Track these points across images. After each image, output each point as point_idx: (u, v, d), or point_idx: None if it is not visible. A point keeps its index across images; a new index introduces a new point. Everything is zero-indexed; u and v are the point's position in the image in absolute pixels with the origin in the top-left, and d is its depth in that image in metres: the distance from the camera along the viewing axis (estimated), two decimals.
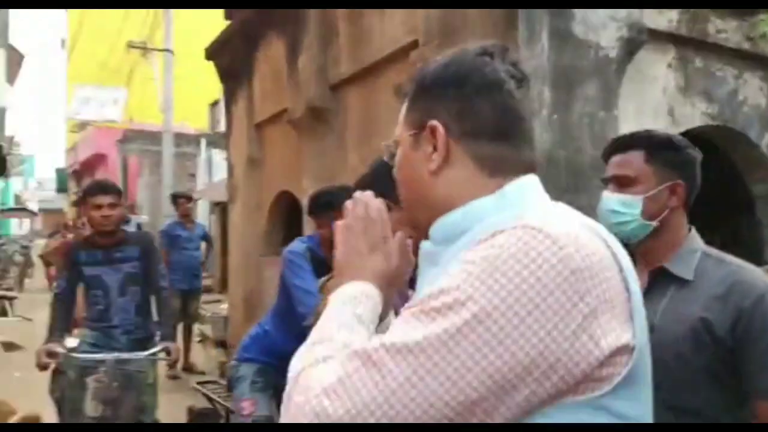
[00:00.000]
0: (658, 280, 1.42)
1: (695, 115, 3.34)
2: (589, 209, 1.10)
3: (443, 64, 0.83)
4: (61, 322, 3.07)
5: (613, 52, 2.83)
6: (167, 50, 13.24)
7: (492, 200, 0.78)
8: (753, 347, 1.29)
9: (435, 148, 0.80)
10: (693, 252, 1.44)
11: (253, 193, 5.62)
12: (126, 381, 2.81)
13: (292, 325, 2.55)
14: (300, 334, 2.61)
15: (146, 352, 2.93)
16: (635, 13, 2.90)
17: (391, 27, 3.55)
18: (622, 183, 1.48)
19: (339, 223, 0.90)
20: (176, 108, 13.66)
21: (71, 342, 2.85)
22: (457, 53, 0.83)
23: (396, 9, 3.51)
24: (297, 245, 2.66)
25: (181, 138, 14.83)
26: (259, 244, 5.61)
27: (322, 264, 2.60)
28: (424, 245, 0.84)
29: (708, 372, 1.32)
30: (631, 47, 2.90)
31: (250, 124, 5.56)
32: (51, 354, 2.82)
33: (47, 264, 11.83)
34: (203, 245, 7.08)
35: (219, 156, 13.93)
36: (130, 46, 13.34)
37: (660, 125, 3.18)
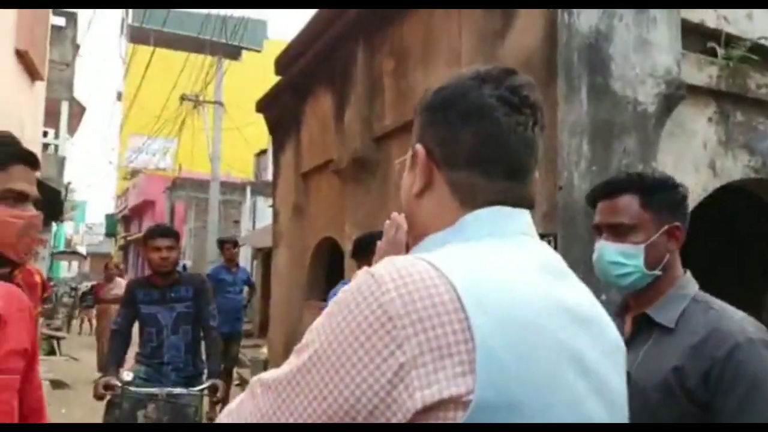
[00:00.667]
0: (641, 327, 1.33)
1: (737, 168, 3.35)
2: None
3: (438, 89, 0.82)
4: (117, 356, 3.22)
5: (651, 107, 2.91)
6: (218, 102, 13.93)
7: (445, 234, 0.76)
8: (724, 400, 1.18)
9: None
10: (681, 297, 1.33)
11: (298, 238, 5.79)
12: (175, 415, 2.91)
13: None
14: None
15: (196, 388, 3.03)
16: (674, 69, 2.98)
17: (435, 81, 3.73)
18: (620, 231, 1.36)
19: (378, 243, 0.98)
20: (223, 158, 14.23)
21: (127, 376, 2.98)
22: (454, 77, 0.81)
23: (439, 64, 3.69)
24: (342, 287, 2.75)
25: (226, 186, 15.37)
26: (302, 288, 5.74)
27: None
28: None
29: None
30: (669, 102, 2.97)
31: (296, 173, 5.79)
32: (108, 387, 2.95)
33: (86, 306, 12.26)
34: (246, 289, 7.26)
35: (263, 203, 14.36)
36: (183, 98, 14.08)
37: (702, 179, 3.21)
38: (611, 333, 0.78)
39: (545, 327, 0.67)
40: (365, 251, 2.73)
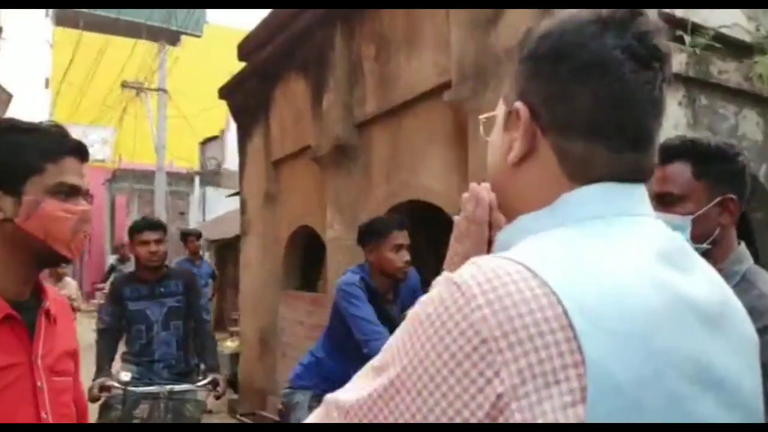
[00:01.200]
0: None
1: None
2: None
3: (544, 33, 0.67)
4: (109, 355, 3.14)
5: None
6: (161, 90, 13.47)
7: (537, 215, 0.65)
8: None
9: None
10: (731, 275, 1.23)
11: (270, 227, 5.75)
12: (180, 413, 2.89)
13: (351, 352, 2.68)
14: (360, 361, 2.77)
15: (198, 384, 3.01)
16: None
17: (421, 68, 3.80)
18: (666, 201, 1.29)
19: (456, 219, 0.85)
20: (167, 147, 13.80)
21: (125, 376, 2.91)
22: (565, 19, 0.66)
23: (424, 50, 3.77)
24: (350, 277, 2.78)
25: (172, 176, 14.92)
26: (277, 278, 5.72)
27: (375, 293, 2.76)
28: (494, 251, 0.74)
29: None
30: None
31: (267, 161, 5.74)
32: (104, 388, 2.88)
33: None
34: (211, 282, 7.15)
35: (213, 194, 14.03)
36: (125, 85, 13.53)
37: None
38: (744, 326, 0.69)
39: (668, 338, 0.57)
40: (371, 237, 2.78)
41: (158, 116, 13.35)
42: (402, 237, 2.72)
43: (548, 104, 0.66)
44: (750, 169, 1.36)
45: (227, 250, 11.19)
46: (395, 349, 0.59)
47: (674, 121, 3.50)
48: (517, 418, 0.50)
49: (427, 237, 3.77)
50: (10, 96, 15.79)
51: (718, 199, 1.28)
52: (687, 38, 3.55)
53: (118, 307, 3.21)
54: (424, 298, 0.59)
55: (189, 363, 3.35)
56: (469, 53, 3.31)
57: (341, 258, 4.53)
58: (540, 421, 0.50)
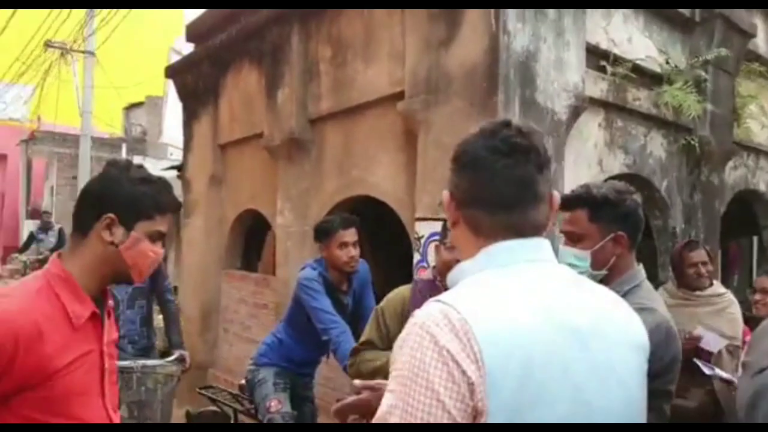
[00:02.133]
0: None
1: (616, 164, 4.18)
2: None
3: (457, 145, 1.04)
4: None
5: (563, 116, 3.57)
6: (89, 52, 12.91)
7: (470, 264, 1.00)
8: None
9: None
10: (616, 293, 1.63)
11: (215, 208, 5.92)
12: (152, 385, 3.13)
13: (310, 335, 3.03)
14: (318, 345, 3.20)
15: (168, 359, 3.26)
16: (580, 85, 3.66)
17: (375, 76, 4.11)
18: (572, 238, 1.67)
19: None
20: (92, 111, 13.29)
21: None
22: (468, 135, 1.04)
23: (380, 59, 4.08)
24: (309, 272, 3.08)
25: (95, 141, 14.35)
26: (219, 257, 5.91)
27: (331, 285, 3.10)
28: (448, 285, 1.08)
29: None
30: (575, 112, 3.65)
31: (214, 144, 5.87)
32: None
33: None
34: None
35: (140, 163, 13.61)
36: (48, 45, 12.84)
37: (592, 173, 3.97)
38: (618, 338, 0.98)
39: (544, 346, 0.88)
40: (321, 236, 3.10)
41: (84, 79, 12.81)
42: (348, 235, 3.03)
43: (455, 189, 1.03)
44: (638, 207, 1.71)
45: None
46: (396, 359, 0.92)
47: (594, 140, 4.02)
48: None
49: (371, 232, 4.14)
50: None
51: (611, 236, 1.64)
52: (609, 68, 4.07)
53: None
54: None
55: (151, 339, 3.60)
56: (422, 69, 3.66)
57: (290, 244, 4.82)
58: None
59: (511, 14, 3.30)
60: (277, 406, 2.93)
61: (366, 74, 4.20)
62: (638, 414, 1.00)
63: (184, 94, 6.35)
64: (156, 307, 3.75)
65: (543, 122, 3.46)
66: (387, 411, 0.88)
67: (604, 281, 1.59)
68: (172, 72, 6.38)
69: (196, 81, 6.04)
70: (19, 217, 16.81)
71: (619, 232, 1.63)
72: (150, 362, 3.21)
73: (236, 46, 5.41)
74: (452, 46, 3.52)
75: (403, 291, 2.41)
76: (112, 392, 1.49)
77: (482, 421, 0.84)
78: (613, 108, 4.13)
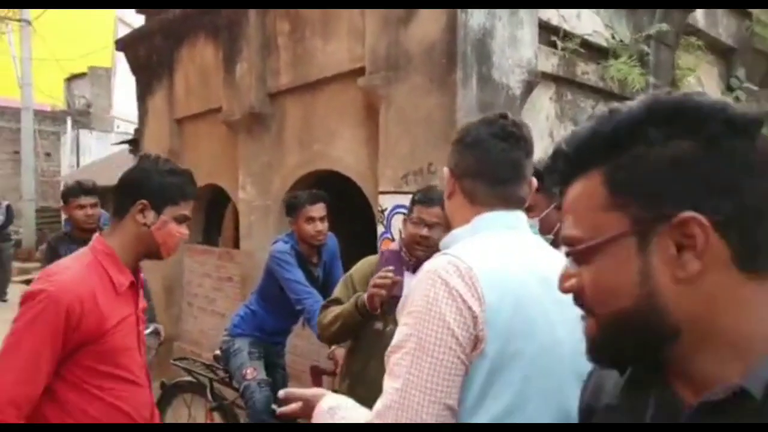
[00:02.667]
0: None
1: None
2: None
3: (458, 130, 1.32)
4: None
5: (517, 91, 3.74)
6: (25, 21, 12.31)
7: (462, 230, 1.23)
8: None
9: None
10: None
11: None
12: None
13: (283, 306, 3.16)
14: (290, 315, 3.38)
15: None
16: (533, 61, 3.83)
17: (335, 51, 4.17)
18: (526, 209, 2.10)
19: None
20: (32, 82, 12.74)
21: None
22: (468, 123, 1.31)
23: (341, 35, 4.13)
24: (281, 246, 3.21)
25: (37, 114, 13.76)
26: None
27: (302, 257, 3.23)
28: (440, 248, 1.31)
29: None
30: (529, 87, 3.83)
31: (170, 118, 5.81)
32: None
33: None
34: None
35: (87, 137, 13.20)
36: None
37: (544, 144, 4.18)
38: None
39: (527, 291, 1.13)
40: (289, 211, 3.23)
41: (22, 50, 12.23)
42: (314, 210, 3.18)
43: (457, 165, 1.29)
44: None
45: (109, 197, 10.82)
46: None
47: (546, 113, 4.22)
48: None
49: (335, 206, 4.25)
50: None
51: (555, 203, 1.87)
52: (559, 43, 4.25)
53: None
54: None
55: None
56: (382, 46, 3.75)
57: (253, 218, 4.88)
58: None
59: None
60: (253, 373, 3.06)
61: (325, 50, 4.25)
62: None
63: (136, 68, 6.21)
64: None
65: (498, 97, 3.62)
66: (403, 339, 1.08)
67: (553, 244, 1.81)
68: (122, 45, 6.22)
69: (149, 54, 5.92)
70: None
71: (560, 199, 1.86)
72: None
73: (191, 19, 5.33)
74: (411, 23, 3.62)
75: (371, 259, 2.56)
76: (142, 350, 1.82)
77: (482, 346, 1.06)
78: (563, 82, 4.33)
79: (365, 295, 2.18)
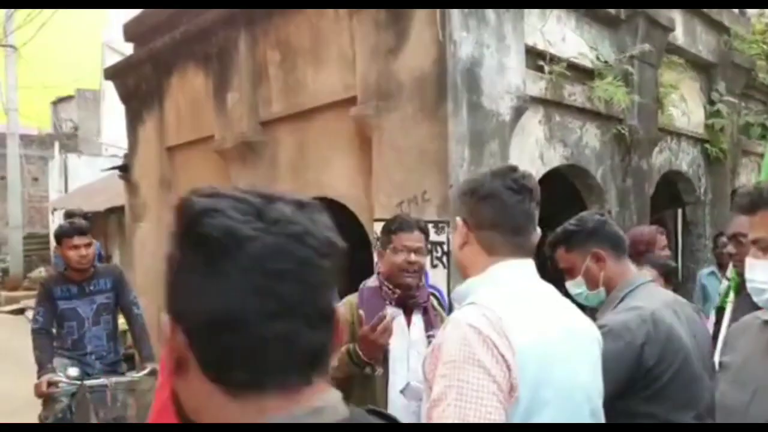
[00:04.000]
0: None
1: (556, 157, 4.47)
2: None
3: (468, 181, 1.40)
4: (49, 353, 3.30)
5: (507, 117, 3.81)
6: (10, 46, 12.28)
7: (480, 279, 1.27)
8: None
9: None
10: (608, 305, 1.82)
11: (166, 212, 5.89)
12: (128, 399, 3.19)
13: None
14: None
15: (141, 374, 3.31)
16: (521, 86, 3.90)
17: (327, 80, 4.22)
18: (567, 273, 1.87)
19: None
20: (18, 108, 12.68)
21: (73, 371, 3.13)
22: (477, 175, 1.39)
23: (331, 65, 4.19)
24: None
25: (23, 139, 13.69)
26: None
27: None
28: (453, 297, 1.43)
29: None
30: (518, 112, 3.90)
31: (161, 147, 5.82)
32: (51, 383, 3.08)
33: None
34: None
35: (75, 161, 13.13)
36: None
37: (534, 166, 4.25)
38: (588, 335, 1.34)
39: (552, 338, 1.19)
40: None
41: (7, 75, 12.18)
42: None
43: (471, 216, 1.33)
44: (603, 223, 1.88)
45: (99, 222, 10.77)
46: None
47: (535, 136, 4.29)
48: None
49: None
50: None
51: (588, 257, 1.82)
52: (546, 67, 4.34)
53: (50, 307, 3.37)
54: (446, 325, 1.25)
55: (118, 353, 3.63)
56: (372, 76, 3.81)
57: None
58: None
59: (456, 23, 3.49)
60: None
61: (316, 79, 4.30)
62: (600, 390, 1.33)
63: (125, 96, 6.23)
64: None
65: (489, 124, 3.69)
66: (442, 392, 1.10)
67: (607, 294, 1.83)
68: (111, 74, 6.24)
69: (139, 83, 5.95)
70: None
71: (593, 249, 1.81)
72: (123, 378, 3.25)
73: (180, 48, 5.36)
74: (400, 54, 3.68)
75: (350, 299, 2.32)
76: None
77: (516, 393, 1.12)
78: (551, 104, 4.41)
79: (357, 347, 2.05)
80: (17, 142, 12.45)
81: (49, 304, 3.39)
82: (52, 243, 7.64)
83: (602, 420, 1.32)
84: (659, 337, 1.65)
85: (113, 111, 8.67)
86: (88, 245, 3.41)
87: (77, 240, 3.35)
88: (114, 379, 3.21)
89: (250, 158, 4.80)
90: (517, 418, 1.12)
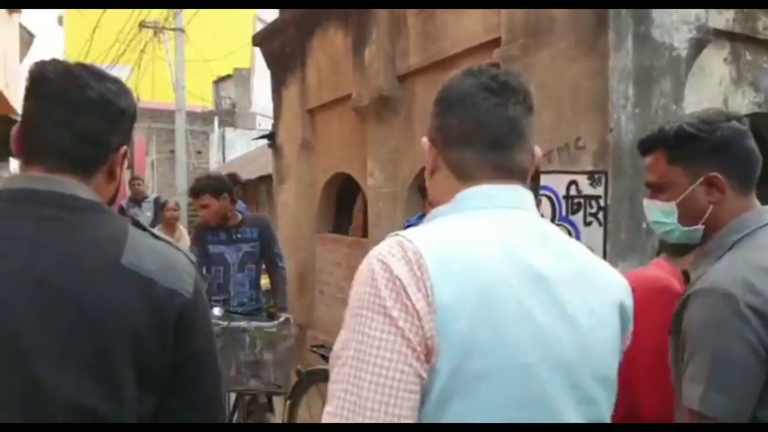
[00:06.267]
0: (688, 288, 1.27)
1: (744, 103, 3.71)
2: None
3: (438, 90, 0.99)
4: None
5: (683, 51, 3.19)
6: (179, 29, 13.33)
7: (444, 208, 0.93)
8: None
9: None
10: (715, 251, 1.26)
11: (306, 173, 5.94)
12: (266, 345, 3.17)
13: None
14: None
15: (277, 321, 3.32)
16: (702, 15, 3.25)
17: (468, 24, 3.86)
18: (653, 189, 1.34)
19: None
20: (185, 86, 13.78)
21: (218, 311, 3.18)
22: (450, 77, 0.99)
23: (473, 11, 3.82)
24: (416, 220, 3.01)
25: (191, 116, 14.97)
26: (312, 221, 5.96)
27: None
28: None
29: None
30: (698, 47, 3.25)
31: (302, 109, 5.86)
32: None
33: None
34: None
35: (231, 134, 14.13)
36: (143, 26, 13.38)
37: None
38: (604, 294, 0.91)
39: (507, 293, 0.81)
40: (424, 192, 2.99)
41: (176, 56, 13.27)
42: None
43: (437, 132, 0.96)
44: (738, 136, 1.28)
45: (251, 190, 11.42)
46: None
47: (719, 77, 3.58)
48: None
49: None
50: (32, 36, 15.66)
51: (702, 179, 1.26)
52: None
53: (201, 250, 3.50)
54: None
55: (259, 301, 3.71)
56: (521, 12, 3.38)
57: (381, 205, 4.74)
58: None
59: None
60: None
61: (456, 23, 3.96)
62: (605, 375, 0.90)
63: (271, 61, 6.36)
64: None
65: (660, 59, 3.11)
66: (341, 347, 0.82)
67: (704, 237, 1.29)
68: (258, 40, 6.40)
69: (283, 47, 6.02)
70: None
71: (712, 173, 1.25)
72: (263, 324, 3.26)
73: (321, 8, 5.29)
74: None
75: None
76: None
77: (434, 361, 0.78)
78: (740, 39, 3.65)
79: None
80: (184, 118, 13.55)
81: (201, 247, 3.52)
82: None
83: (603, 419, 0.89)
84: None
85: (262, 84, 9.06)
86: (210, 203, 3.43)
87: (201, 199, 3.43)
88: (255, 323, 3.23)
89: (386, 115, 4.61)
90: (433, 395, 0.78)
